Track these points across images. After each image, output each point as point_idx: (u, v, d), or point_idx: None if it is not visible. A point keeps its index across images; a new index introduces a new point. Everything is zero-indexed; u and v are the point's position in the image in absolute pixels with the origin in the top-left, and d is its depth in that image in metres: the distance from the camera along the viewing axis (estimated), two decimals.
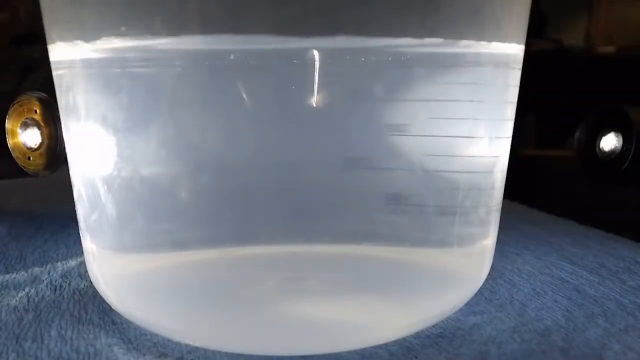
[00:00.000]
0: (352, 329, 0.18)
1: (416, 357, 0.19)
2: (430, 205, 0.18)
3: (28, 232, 0.33)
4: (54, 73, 0.20)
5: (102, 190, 0.19)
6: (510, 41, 0.19)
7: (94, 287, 0.23)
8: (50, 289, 0.25)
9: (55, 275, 0.27)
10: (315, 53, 0.15)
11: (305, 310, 0.18)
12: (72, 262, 0.28)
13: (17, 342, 0.20)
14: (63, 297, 0.24)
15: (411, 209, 0.18)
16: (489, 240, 0.23)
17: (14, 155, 0.32)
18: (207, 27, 0.15)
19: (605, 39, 0.40)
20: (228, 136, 0.16)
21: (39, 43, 0.21)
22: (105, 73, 0.17)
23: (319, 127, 0.16)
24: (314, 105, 0.16)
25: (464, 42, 0.17)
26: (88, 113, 0.18)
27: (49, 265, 0.28)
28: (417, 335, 0.21)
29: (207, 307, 0.18)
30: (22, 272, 0.27)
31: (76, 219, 0.22)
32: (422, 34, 0.16)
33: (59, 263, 0.28)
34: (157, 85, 0.16)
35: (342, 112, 0.16)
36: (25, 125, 0.32)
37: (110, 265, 0.20)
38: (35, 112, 0.32)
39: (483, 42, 0.18)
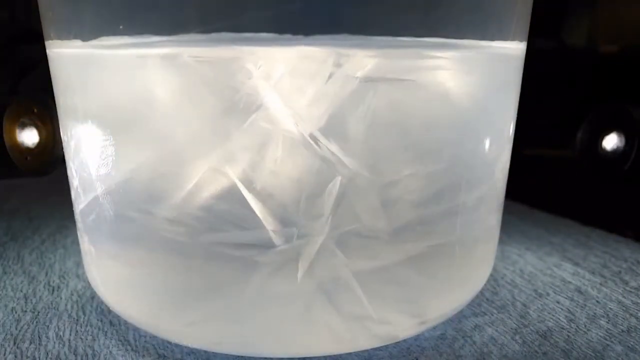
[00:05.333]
0: (352, 331, 0.18)
1: (417, 359, 0.19)
2: (432, 206, 0.18)
3: (26, 232, 0.33)
4: (52, 71, 0.20)
5: (99, 190, 0.18)
6: (512, 39, 0.19)
7: (92, 288, 0.23)
8: (48, 290, 0.25)
9: (52, 276, 0.27)
10: (315, 53, 0.15)
11: (305, 313, 0.17)
12: (70, 263, 0.28)
13: (15, 343, 0.20)
14: (61, 298, 0.24)
15: (412, 210, 0.17)
16: (491, 241, 0.23)
17: (11, 155, 0.31)
18: (207, 25, 0.15)
19: (608, 38, 0.40)
20: (229, 136, 0.16)
21: (37, 42, 0.21)
22: (103, 72, 0.17)
23: (321, 129, 0.16)
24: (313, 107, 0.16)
25: (466, 41, 0.17)
26: (85, 112, 0.18)
27: (46, 266, 0.28)
28: (417, 337, 0.21)
29: (206, 310, 0.18)
30: (20, 273, 0.27)
31: (74, 219, 0.22)
32: (423, 33, 0.16)
33: (56, 264, 0.28)
34: (155, 84, 0.16)
35: (341, 112, 0.16)
36: (23, 125, 0.32)
37: (109, 266, 0.20)
38: (33, 111, 0.32)
39: (485, 41, 0.18)
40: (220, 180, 0.16)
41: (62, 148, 0.21)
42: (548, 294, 0.25)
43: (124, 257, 0.19)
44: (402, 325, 0.19)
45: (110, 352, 0.20)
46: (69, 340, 0.21)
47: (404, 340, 0.21)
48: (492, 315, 0.23)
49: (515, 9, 0.19)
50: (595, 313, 0.23)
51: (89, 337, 0.21)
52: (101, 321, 0.22)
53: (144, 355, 0.20)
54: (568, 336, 0.21)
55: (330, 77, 0.15)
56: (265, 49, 0.15)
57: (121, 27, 0.16)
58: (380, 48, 0.16)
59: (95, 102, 0.18)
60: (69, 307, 0.23)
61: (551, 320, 0.23)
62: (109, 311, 0.23)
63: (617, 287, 0.26)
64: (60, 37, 0.18)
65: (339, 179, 0.16)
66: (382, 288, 0.18)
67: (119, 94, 0.17)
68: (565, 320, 0.23)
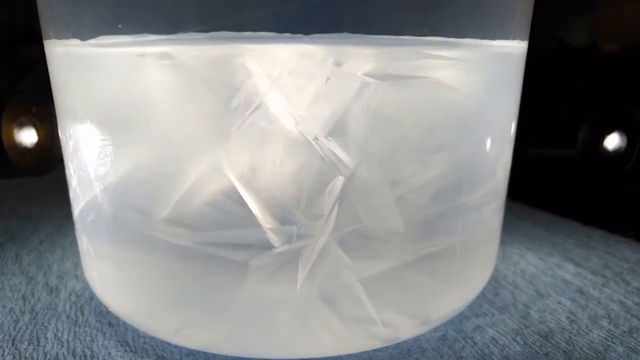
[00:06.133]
0: (352, 333, 0.18)
1: None
2: (434, 206, 0.18)
3: (24, 233, 0.33)
4: (50, 71, 0.20)
5: (98, 190, 0.18)
6: (513, 38, 0.19)
7: (91, 289, 0.23)
8: (47, 290, 0.25)
9: (51, 276, 0.26)
10: (315, 52, 0.15)
11: (305, 314, 0.17)
12: (69, 264, 0.28)
13: (13, 344, 0.20)
14: (59, 299, 0.24)
15: (414, 210, 0.17)
16: (492, 241, 0.22)
17: (10, 155, 0.31)
18: (206, 24, 0.15)
19: (610, 38, 0.40)
20: (228, 135, 0.16)
21: (37, 42, 0.21)
22: (101, 71, 0.17)
23: (321, 128, 0.16)
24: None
25: (466, 40, 0.17)
26: (84, 111, 0.18)
27: (45, 267, 0.28)
28: (418, 338, 0.21)
29: (204, 311, 0.18)
30: (18, 274, 0.27)
31: (72, 219, 0.22)
32: (423, 32, 0.16)
33: (55, 264, 0.28)
34: (154, 83, 0.16)
35: (341, 111, 0.16)
36: (21, 125, 0.32)
37: (107, 267, 0.20)
38: (32, 111, 0.32)
39: (486, 40, 0.18)
40: (219, 180, 0.16)
41: (61, 148, 0.21)
42: (549, 295, 0.25)
43: (123, 257, 0.19)
44: (403, 327, 0.19)
45: (109, 353, 0.20)
46: (68, 341, 0.21)
47: (405, 342, 0.20)
48: (493, 316, 0.23)
49: (516, 7, 0.19)
50: (596, 314, 0.23)
51: (88, 338, 0.21)
52: (100, 322, 0.22)
53: (142, 357, 0.19)
54: (569, 337, 0.21)
55: (330, 76, 0.15)
56: (265, 47, 0.15)
57: (120, 26, 0.16)
58: (380, 47, 0.16)
59: (93, 101, 0.18)
60: (67, 307, 0.23)
61: (552, 321, 0.22)
62: (108, 312, 0.23)
63: (618, 287, 0.26)
64: (58, 36, 0.18)
65: (339, 178, 0.16)
66: (384, 289, 0.18)
67: (118, 93, 0.17)
68: (566, 321, 0.22)
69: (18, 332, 0.21)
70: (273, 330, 0.17)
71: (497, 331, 0.21)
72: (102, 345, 0.20)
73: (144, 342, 0.21)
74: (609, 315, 0.23)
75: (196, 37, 0.15)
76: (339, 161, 0.16)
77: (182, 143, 0.16)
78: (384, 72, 0.16)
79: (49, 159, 0.34)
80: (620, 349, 0.20)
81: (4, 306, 0.23)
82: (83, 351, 0.20)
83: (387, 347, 0.20)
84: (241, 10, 0.15)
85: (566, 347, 0.20)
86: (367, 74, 0.16)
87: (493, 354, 0.20)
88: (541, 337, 0.21)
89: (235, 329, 0.18)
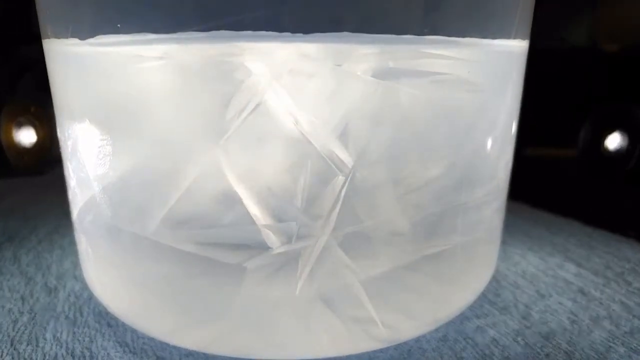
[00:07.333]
0: (353, 334, 0.18)
1: None
2: (435, 206, 0.18)
3: (22, 232, 0.33)
4: (49, 70, 0.20)
5: (97, 190, 0.18)
6: (514, 37, 0.19)
7: (89, 290, 0.23)
8: (45, 291, 0.25)
9: (50, 277, 0.26)
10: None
11: (305, 315, 0.17)
12: (67, 264, 0.28)
13: (12, 345, 0.20)
14: (58, 300, 0.24)
15: (415, 210, 0.17)
16: (493, 241, 0.22)
17: (8, 154, 0.31)
18: (206, 23, 0.15)
19: (611, 38, 0.40)
20: (227, 134, 0.16)
21: (36, 42, 0.21)
22: (100, 70, 0.17)
23: (321, 128, 0.16)
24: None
25: (467, 39, 0.17)
26: (82, 111, 0.18)
27: (43, 267, 0.28)
28: (418, 339, 0.21)
29: (205, 311, 0.18)
30: (17, 274, 0.27)
31: (71, 219, 0.21)
32: (424, 31, 0.16)
33: (53, 265, 0.28)
34: (153, 82, 0.16)
35: (341, 111, 0.16)
36: (20, 125, 0.32)
37: (106, 267, 0.20)
38: (30, 111, 0.32)
39: (487, 39, 0.18)
40: (218, 179, 0.16)
41: (59, 148, 0.20)
42: (550, 295, 0.25)
43: (122, 258, 0.19)
44: (403, 327, 0.19)
45: (108, 353, 0.20)
46: (67, 341, 0.20)
47: (405, 342, 0.20)
48: (494, 316, 0.23)
49: (517, 7, 0.19)
50: (598, 314, 0.23)
51: (87, 339, 0.21)
52: (99, 323, 0.22)
53: (142, 357, 0.19)
54: (571, 338, 0.21)
55: (330, 75, 0.15)
56: (265, 46, 0.15)
57: (119, 25, 0.16)
58: (380, 46, 0.15)
59: (92, 101, 0.18)
60: (66, 308, 0.23)
61: (554, 321, 0.22)
62: (107, 312, 0.23)
63: (620, 288, 0.26)
64: (57, 36, 0.18)
65: (339, 178, 0.16)
66: (384, 290, 0.18)
67: (117, 92, 0.17)
68: (567, 322, 0.22)
69: (17, 332, 0.21)
70: (273, 331, 0.17)
71: (498, 332, 0.21)
72: (101, 345, 0.20)
73: (143, 342, 0.20)
74: (611, 316, 0.23)
75: (196, 37, 0.15)
76: (339, 161, 0.16)
77: (181, 143, 0.16)
78: (384, 71, 0.16)
79: (47, 158, 0.34)
80: (622, 349, 0.20)
81: (3, 307, 0.23)
82: (82, 352, 0.20)
83: (387, 348, 0.20)
84: (241, 9, 0.15)
85: (567, 348, 0.20)
86: (367, 74, 0.15)
87: (494, 354, 0.20)
88: (542, 337, 0.21)
89: (235, 329, 0.18)
